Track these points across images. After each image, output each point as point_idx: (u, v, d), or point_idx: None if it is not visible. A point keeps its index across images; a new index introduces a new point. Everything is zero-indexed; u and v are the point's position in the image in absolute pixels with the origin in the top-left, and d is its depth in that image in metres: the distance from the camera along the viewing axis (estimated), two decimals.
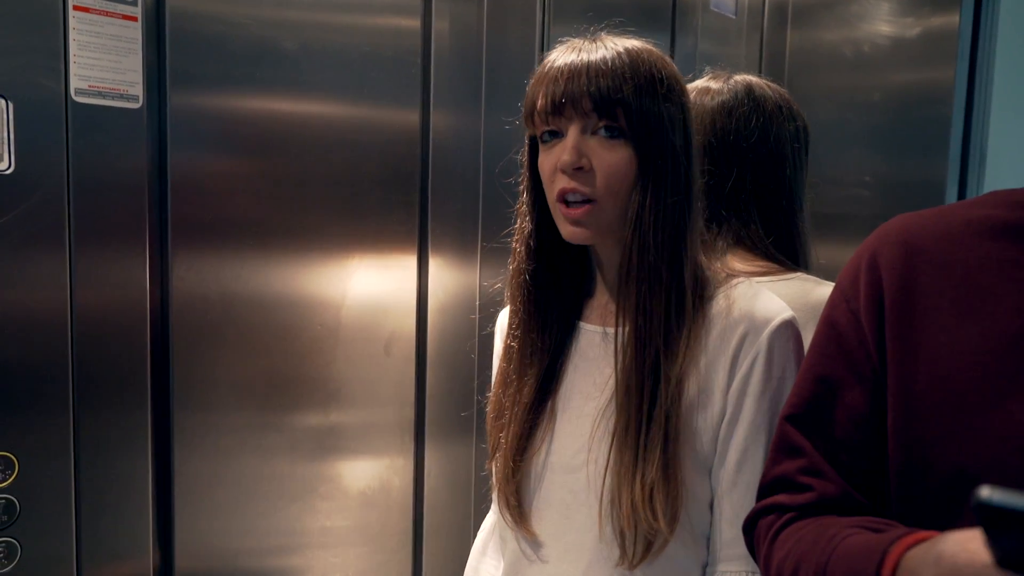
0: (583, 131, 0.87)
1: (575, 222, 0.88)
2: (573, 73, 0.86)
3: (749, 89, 1.13)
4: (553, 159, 0.88)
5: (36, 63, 1.00)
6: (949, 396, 0.67)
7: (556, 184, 0.88)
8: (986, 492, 0.43)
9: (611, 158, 0.86)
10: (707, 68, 1.22)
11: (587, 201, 0.87)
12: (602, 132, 0.87)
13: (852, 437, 0.75)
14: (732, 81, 1.15)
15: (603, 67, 0.86)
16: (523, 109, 0.93)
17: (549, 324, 0.96)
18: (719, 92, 1.14)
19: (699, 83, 1.17)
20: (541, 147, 0.91)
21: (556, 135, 0.89)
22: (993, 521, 0.44)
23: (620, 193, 0.87)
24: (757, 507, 0.81)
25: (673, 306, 0.88)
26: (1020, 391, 0.64)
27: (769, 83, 1.17)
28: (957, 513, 0.65)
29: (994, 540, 0.45)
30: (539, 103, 0.88)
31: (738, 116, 1.11)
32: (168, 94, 1.11)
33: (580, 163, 0.86)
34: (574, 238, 0.89)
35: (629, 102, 0.85)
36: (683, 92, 0.91)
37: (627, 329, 0.89)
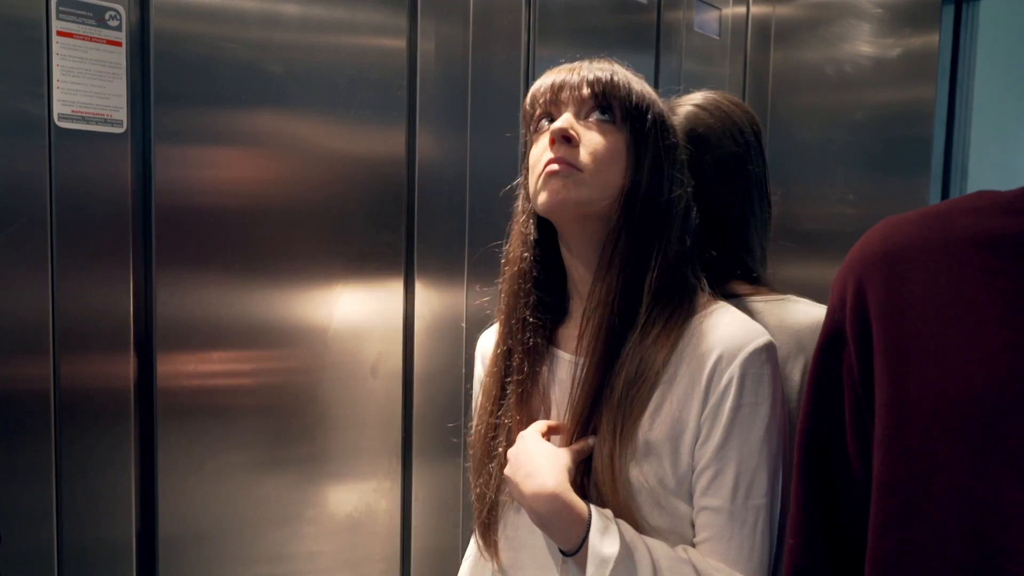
0: (577, 114, 0.89)
1: (554, 175, 0.86)
2: (573, 68, 0.90)
3: (684, 120, 1.07)
4: (544, 135, 0.90)
5: (19, 88, 0.99)
6: (941, 407, 0.68)
7: (543, 160, 0.88)
8: None
9: (599, 137, 0.88)
10: (678, 90, 1.18)
11: (573, 168, 0.87)
12: (595, 115, 0.89)
13: (852, 459, 0.76)
14: (675, 111, 1.09)
15: (602, 64, 0.90)
16: (523, 112, 0.95)
17: (536, 346, 0.94)
18: None
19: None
20: (534, 137, 0.92)
21: (550, 120, 0.91)
22: None
23: (605, 174, 0.87)
24: None
25: (653, 322, 0.87)
26: (1012, 404, 0.64)
27: (710, 104, 1.09)
28: (950, 528, 0.66)
29: None
30: (539, 92, 0.91)
31: None
32: (152, 119, 1.11)
33: (568, 133, 0.86)
34: (551, 204, 0.87)
35: (627, 92, 0.88)
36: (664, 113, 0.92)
37: (588, 360, 0.88)
